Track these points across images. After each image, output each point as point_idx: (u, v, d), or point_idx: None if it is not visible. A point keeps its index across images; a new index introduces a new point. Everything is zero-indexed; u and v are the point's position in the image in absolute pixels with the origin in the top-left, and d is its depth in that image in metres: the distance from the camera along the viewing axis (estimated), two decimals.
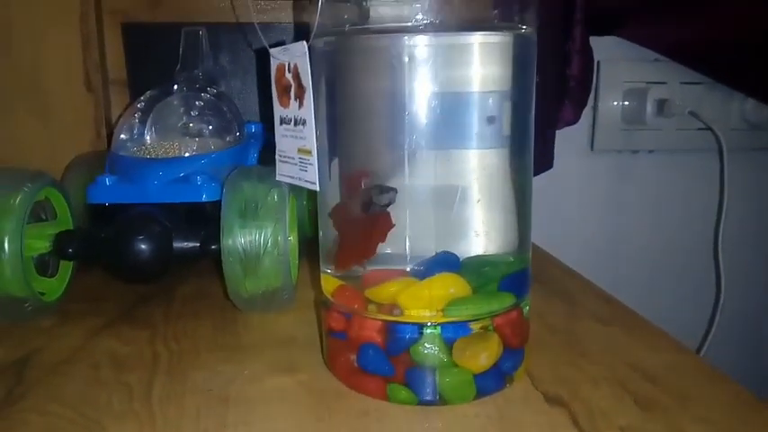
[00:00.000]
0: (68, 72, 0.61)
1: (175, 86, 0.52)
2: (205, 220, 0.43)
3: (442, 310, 0.31)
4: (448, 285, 0.32)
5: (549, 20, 0.65)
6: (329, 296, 0.35)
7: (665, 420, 0.30)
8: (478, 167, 0.33)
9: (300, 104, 0.35)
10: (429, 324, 0.31)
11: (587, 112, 0.74)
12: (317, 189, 0.35)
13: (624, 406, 0.32)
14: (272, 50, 0.36)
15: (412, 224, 0.32)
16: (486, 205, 0.33)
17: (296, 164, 0.37)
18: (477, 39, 0.32)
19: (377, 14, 0.31)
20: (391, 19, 0.32)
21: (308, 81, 0.34)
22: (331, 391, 0.33)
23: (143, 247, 0.40)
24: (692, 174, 0.81)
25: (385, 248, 0.32)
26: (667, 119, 0.75)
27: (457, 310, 0.32)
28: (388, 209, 0.32)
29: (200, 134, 0.51)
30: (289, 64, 0.35)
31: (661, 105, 0.74)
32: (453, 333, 0.31)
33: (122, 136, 0.50)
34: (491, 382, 0.32)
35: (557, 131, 0.71)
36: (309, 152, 0.35)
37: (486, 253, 0.33)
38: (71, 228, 0.46)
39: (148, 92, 0.52)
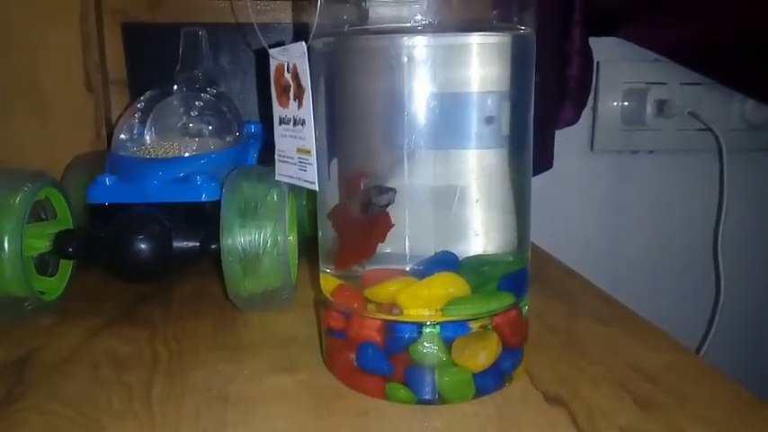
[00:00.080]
0: (68, 72, 0.61)
1: (175, 86, 0.52)
2: (205, 219, 0.43)
3: (442, 310, 0.32)
4: (447, 285, 0.32)
5: (549, 20, 0.65)
6: (329, 295, 0.35)
7: (664, 420, 0.30)
8: (477, 167, 0.33)
9: (299, 105, 0.35)
10: (428, 323, 0.31)
11: (587, 112, 0.74)
12: (317, 189, 0.35)
13: (624, 406, 0.32)
14: (271, 51, 0.37)
15: (411, 224, 0.32)
16: (485, 205, 0.33)
17: (295, 164, 0.37)
18: (475, 39, 0.32)
19: (376, 15, 0.32)
20: (390, 19, 0.32)
21: (306, 81, 0.34)
22: (330, 391, 0.33)
23: (143, 246, 0.40)
24: (692, 174, 0.81)
25: (384, 248, 0.32)
26: (667, 119, 0.75)
27: (456, 309, 0.32)
28: (388, 209, 0.32)
29: (199, 134, 0.51)
30: (288, 64, 0.35)
31: (661, 106, 0.74)
32: (452, 332, 0.31)
33: (122, 136, 0.50)
34: (490, 381, 0.32)
35: (556, 132, 0.71)
36: (308, 152, 0.35)
37: (486, 253, 0.33)
38: (71, 227, 0.46)
39: (148, 92, 0.52)
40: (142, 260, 0.41)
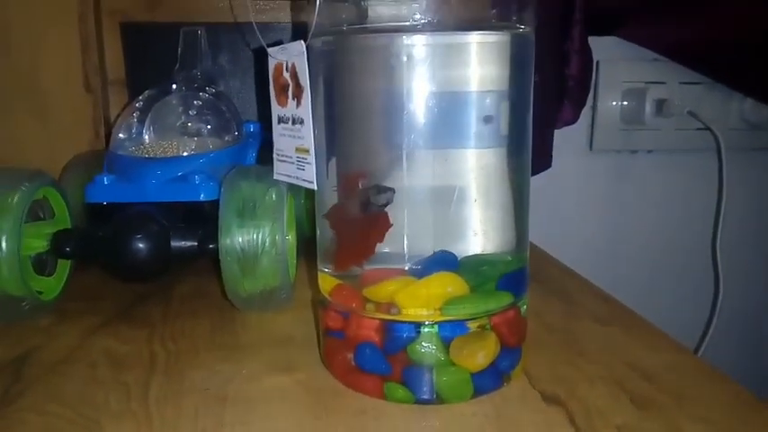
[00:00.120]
0: (67, 72, 0.61)
1: (174, 86, 0.51)
2: (203, 219, 0.43)
3: (440, 309, 0.31)
4: (445, 284, 0.32)
5: (548, 19, 0.65)
6: (327, 295, 0.35)
7: (662, 420, 0.30)
8: (476, 167, 0.33)
9: (298, 104, 0.35)
10: (426, 323, 0.31)
11: (586, 111, 0.74)
12: (315, 188, 0.35)
13: (621, 405, 0.32)
14: (269, 50, 0.36)
15: (410, 223, 0.32)
16: (483, 204, 0.33)
17: (293, 163, 0.37)
18: (474, 38, 0.32)
19: (375, 14, 0.31)
20: (389, 18, 0.32)
21: (305, 80, 0.34)
22: (328, 390, 0.33)
23: (141, 246, 0.40)
24: (691, 173, 0.81)
25: (383, 248, 0.32)
26: (666, 119, 0.75)
27: (454, 308, 0.32)
28: (386, 209, 0.32)
29: (198, 133, 0.50)
30: (287, 63, 0.35)
31: (660, 105, 0.74)
32: (451, 332, 0.31)
33: (121, 135, 0.50)
34: (488, 380, 0.32)
35: (555, 131, 0.71)
36: (307, 151, 0.35)
37: (484, 252, 0.33)
38: (69, 227, 0.46)
39: (147, 91, 0.52)
40: (140, 260, 0.40)
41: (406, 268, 0.32)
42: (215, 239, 0.40)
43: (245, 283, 0.40)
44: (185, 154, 0.48)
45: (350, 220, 0.34)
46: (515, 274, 0.34)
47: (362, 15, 0.32)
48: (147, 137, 0.50)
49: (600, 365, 0.36)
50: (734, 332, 0.83)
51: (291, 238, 0.45)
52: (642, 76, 0.76)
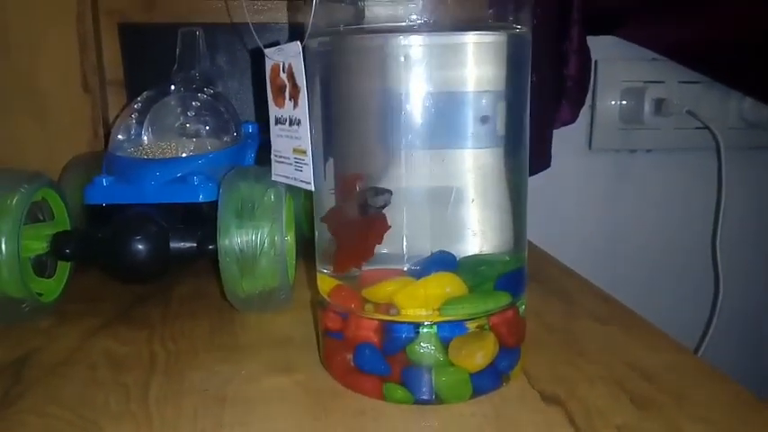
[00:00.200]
0: (65, 73, 0.61)
1: (172, 87, 0.51)
2: (202, 220, 0.43)
3: (439, 310, 0.31)
4: (444, 285, 0.32)
5: (546, 19, 0.65)
6: (326, 296, 0.35)
7: (662, 419, 0.30)
8: (473, 167, 0.33)
9: (295, 104, 0.35)
10: (425, 323, 0.31)
11: (585, 111, 0.74)
12: (312, 189, 0.35)
13: (621, 405, 0.31)
14: (266, 51, 0.36)
15: (408, 224, 0.32)
16: (481, 205, 0.33)
17: (291, 164, 0.37)
18: (471, 38, 0.32)
19: (371, 14, 0.31)
20: (386, 19, 0.32)
21: (302, 81, 0.34)
22: (327, 391, 0.33)
23: (140, 247, 0.40)
24: (690, 173, 0.81)
25: (382, 248, 0.32)
26: (665, 118, 0.75)
27: (453, 309, 0.32)
28: (384, 210, 0.32)
29: (197, 134, 0.50)
30: (283, 64, 0.35)
31: (659, 104, 0.74)
32: (449, 332, 0.31)
33: (119, 136, 0.50)
34: (487, 381, 0.32)
35: (554, 131, 0.71)
36: (304, 152, 0.35)
37: (483, 252, 0.33)
38: (68, 228, 0.46)
39: (145, 92, 0.52)
40: (139, 261, 0.41)
41: (405, 269, 0.32)
42: (214, 240, 0.40)
43: (244, 283, 0.40)
44: (184, 155, 0.48)
45: (348, 223, 0.34)
46: (513, 274, 0.34)
47: (359, 16, 0.32)
48: (145, 138, 0.50)
49: (600, 365, 0.36)
50: (734, 332, 0.83)
51: (290, 238, 0.45)
52: (641, 76, 0.76)
